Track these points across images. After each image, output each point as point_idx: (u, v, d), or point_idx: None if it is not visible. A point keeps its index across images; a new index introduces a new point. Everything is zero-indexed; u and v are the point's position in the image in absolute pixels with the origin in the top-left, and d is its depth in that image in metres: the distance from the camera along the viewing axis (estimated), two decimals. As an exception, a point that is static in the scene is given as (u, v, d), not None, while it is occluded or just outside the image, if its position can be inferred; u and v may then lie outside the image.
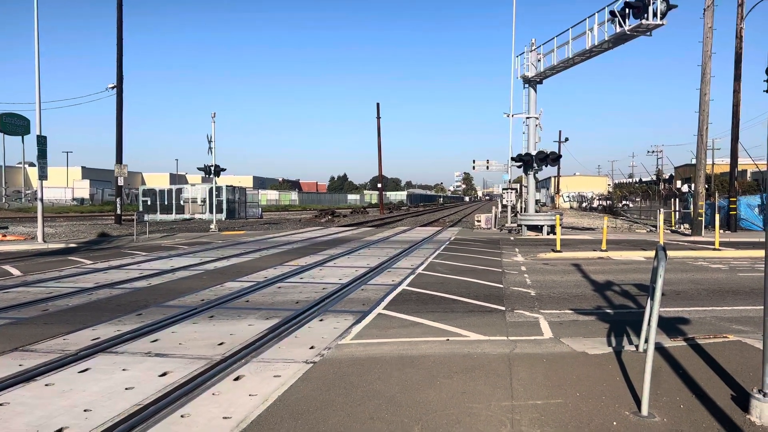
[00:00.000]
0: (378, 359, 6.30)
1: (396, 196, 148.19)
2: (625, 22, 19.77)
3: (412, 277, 12.78)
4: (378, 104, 64.00)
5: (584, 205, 77.40)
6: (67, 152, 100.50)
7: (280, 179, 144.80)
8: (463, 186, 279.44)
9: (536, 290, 11.17)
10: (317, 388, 5.39)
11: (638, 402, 4.86)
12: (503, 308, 9.35)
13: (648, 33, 19.79)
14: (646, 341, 6.70)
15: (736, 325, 8.25)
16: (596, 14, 21.53)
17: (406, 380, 5.59)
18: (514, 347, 6.81)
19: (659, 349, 6.50)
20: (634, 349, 6.61)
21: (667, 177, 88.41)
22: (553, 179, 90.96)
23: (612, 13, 20.22)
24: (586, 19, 22.10)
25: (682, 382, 5.50)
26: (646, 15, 18.96)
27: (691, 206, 30.07)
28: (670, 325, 8.14)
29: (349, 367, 6.02)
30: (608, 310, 9.31)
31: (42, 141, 22.31)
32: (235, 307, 9.54)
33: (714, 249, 18.48)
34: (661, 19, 18.96)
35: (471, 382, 5.53)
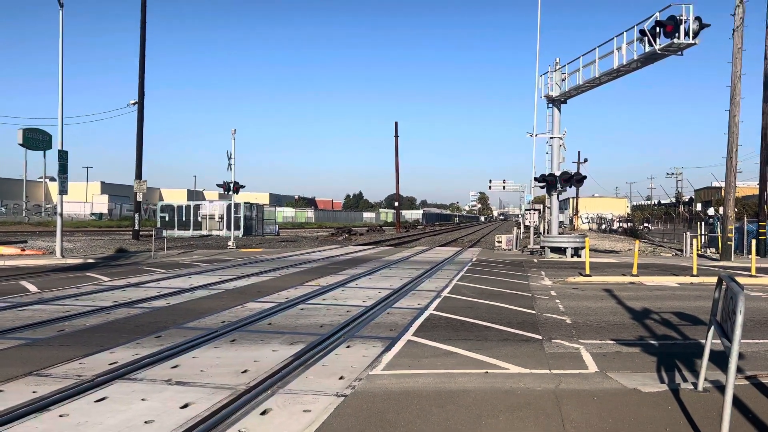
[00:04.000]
0: (414, 393, 5.84)
1: (411, 214, 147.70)
2: (655, 41, 19.35)
3: (438, 300, 12.30)
4: (396, 123, 64.02)
5: (603, 227, 76.35)
6: (87, 167, 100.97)
7: (297, 197, 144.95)
8: (479, 206, 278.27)
9: (571, 317, 10.63)
10: (352, 426, 4.95)
11: (712, 452, 4.36)
12: (540, 337, 8.84)
13: (679, 52, 19.37)
14: (706, 379, 6.20)
15: (795, 361, 7.66)
16: (624, 33, 21.20)
17: (448, 419, 5.12)
18: (559, 382, 6.32)
19: (718, 387, 5.98)
20: (692, 387, 6.09)
21: (687, 200, 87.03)
22: (571, 200, 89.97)
23: (642, 32, 19.81)
24: (614, 38, 21.78)
25: (755, 427, 4.98)
26: (677, 34, 18.56)
27: (718, 230, 29.32)
28: (721, 359, 7.55)
29: (384, 402, 5.57)
30: (652, 341, 8.75)
31: (63, 156, 22.28)
32: (258, 330, 9.13)
33: (750, 275, 17.75)
34: (694, 38, 18.53)
35: (519, 423, 5.05)
